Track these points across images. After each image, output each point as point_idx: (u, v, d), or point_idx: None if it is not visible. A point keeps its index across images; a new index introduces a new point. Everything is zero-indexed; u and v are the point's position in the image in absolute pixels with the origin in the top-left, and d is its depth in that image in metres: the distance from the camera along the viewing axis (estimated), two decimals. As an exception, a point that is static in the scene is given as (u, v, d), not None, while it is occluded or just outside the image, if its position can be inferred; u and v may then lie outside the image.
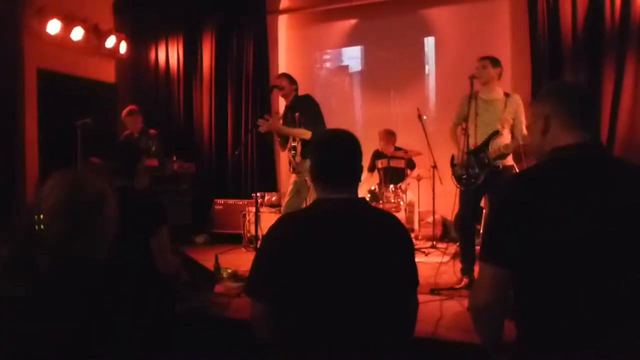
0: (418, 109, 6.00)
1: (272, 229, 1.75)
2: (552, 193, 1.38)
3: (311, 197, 4.59)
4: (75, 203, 1.48)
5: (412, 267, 1.79)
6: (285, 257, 1.65)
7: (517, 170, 4.99)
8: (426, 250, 5.55)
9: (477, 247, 4.62)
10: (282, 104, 5.71)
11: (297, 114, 4.55)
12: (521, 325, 1.43)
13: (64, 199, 1.47)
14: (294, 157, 4.56)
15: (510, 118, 3.98)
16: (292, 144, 4.60)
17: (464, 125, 3.95)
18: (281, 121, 4.76)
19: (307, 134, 4.41)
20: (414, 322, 1.85)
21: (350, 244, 1.66)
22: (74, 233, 1.49)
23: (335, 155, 1.76)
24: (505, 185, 1.51)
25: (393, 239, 1.74)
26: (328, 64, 7.36)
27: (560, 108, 1.49)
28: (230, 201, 6.61)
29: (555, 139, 1.49)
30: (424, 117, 5.79)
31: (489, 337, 1.48)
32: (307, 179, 4.56)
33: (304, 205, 4.78)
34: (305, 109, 4.53)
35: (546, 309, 1.38)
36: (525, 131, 3.98)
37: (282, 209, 5.00)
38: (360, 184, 1.83)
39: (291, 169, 4.68)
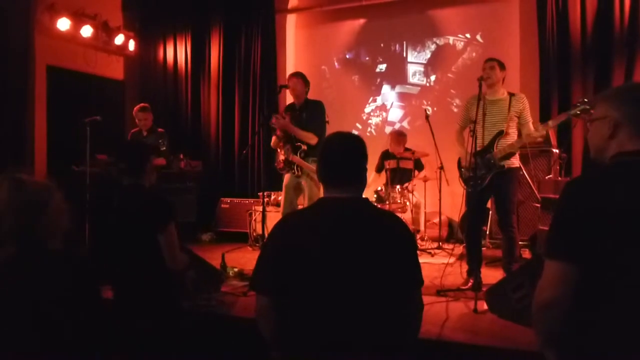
0: (425, 110, 6.00)
1: (277, 226, 1.82)
2: (621, 195, 1.39)
3: (308, 197, 4.61)
4: (16, 203, 1.64)
5: (415, 266, 1.82)
6: (290, 254, 1.71)
7: (524, 172, 5.00)
8: (432, 252, 5.55)
9: (483, 249, 4.62)
10: (289, 101, 5.69)
11: (304, 115, 4.59)
12: (581, 323, 1.43)
13: (5, 200, 1.64)
14: (303, 159, 4.57)
15: (515, 117, 3.98)
16: (302, 147, 4.61)
17: (471, 127, 3.94)
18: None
19: (314, 140, 4.48)
20: (419, 322, 1.86)
21: (352, 242, 1.71)
22: (21, 227, 1.64)
23: (340, 156, 1.82)
24: (568, 184, 1.51)
25: (395, 238, 1.78)
26: (336, 64, 7.36)
27: (634, 117, 1.50)
28: (237, 200, 6.63)
29: (621, 144, 1.50)
30: (429, 112, 5.79)
31: (548, 335, 1.47)
32: (303, 181, 4.59)
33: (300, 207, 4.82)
34: (316, 115, 4.61)
35: (609, 308, 1.39)
36: (531, 130, 3.96)
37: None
38: (367, 184, 1.86)
39: (293, 169, 4.66)
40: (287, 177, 4.77)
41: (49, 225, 1.69)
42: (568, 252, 1.42)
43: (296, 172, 4.61)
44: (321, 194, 1.90)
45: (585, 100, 3.56)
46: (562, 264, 1.42)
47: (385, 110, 7.15)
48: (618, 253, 1.36)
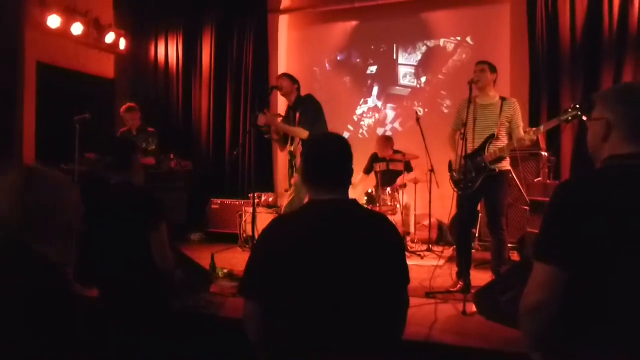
0: (416, 112, 6.01)
1: (266, 230, 1.79)
2: (616, 196, 1.38)
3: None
4: (30, 195, 1.50)
5: (403, 266, 1.82)
6: (278, 258, 1.69)
7: (514, 175, 5.03)
8: (422, 254, 5.56)
9: (473, 251, 4.64)
10: (281, 104, 5.70)
11: (298, 114, 4.54)
12: (569, 326, 1.43)
13: (20, 191, 1.49)
14: (294, 158, 4.52)
15: (506, 122, 4.00)
16: (289, 149, 4.56)
17: (462, 130, 3.96)
18: (280, 119, 4.75)
19: (304, 134, 4.36)
20: (405, 321, 1.87)
21: (341, 244, 1.70)
22: (30, 224, 1.50)
23: (325, 157, 1.80)
24: (560, 186, 1.49)
25: (383, 239, 1.78)
26: (328, 65, 7.36)
27: (628, 119, 1.48)
28: (227, 201, 6.60)
29: (613, 147, 1.49)
30: (420, 114, 5.80)
31: (536, 337, 1.47)
32: None
33: None
34: (306, 108, 4.50)
35: (597, 312, 1.39)
36: (522, 134, 3.99)
37: (282, 209, 4.98)
38: (354, 185, 1.86)
39: (293, 171, 4.63)
40: (296, 176, 4.72)
41: (50, 228, 1.52)
42: (558, 255, 1.41)
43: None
44: None
45: (577, 106, 3.56)
46: (551, 267, 1.41)
47: (377, 112, 7.17)
48: (617, 252, 1.36)
